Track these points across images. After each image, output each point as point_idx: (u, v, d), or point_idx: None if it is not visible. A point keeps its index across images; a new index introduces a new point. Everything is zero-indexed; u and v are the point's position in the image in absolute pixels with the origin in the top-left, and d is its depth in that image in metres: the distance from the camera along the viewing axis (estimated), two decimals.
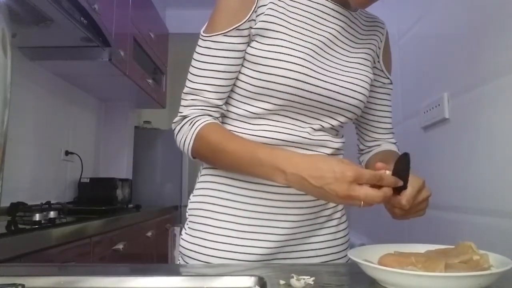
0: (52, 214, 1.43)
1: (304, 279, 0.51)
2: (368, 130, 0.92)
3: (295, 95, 0.73)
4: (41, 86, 2.10)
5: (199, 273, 0.63)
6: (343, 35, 0.81)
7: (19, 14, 1.52)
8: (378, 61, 0.89)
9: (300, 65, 0.72)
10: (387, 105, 0.92)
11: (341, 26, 0.80)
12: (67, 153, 2.34)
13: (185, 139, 0.74)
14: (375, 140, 0.92)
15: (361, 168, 0.61)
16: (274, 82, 0.72)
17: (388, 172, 0.62)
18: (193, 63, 0.76)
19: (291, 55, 0.72)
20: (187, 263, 0.78)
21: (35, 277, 0.55)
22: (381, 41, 0.89)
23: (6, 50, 0.42)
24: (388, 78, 0.91)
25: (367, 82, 0.80)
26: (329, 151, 0.78)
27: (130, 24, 2.48)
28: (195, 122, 0.74)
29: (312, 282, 0.51)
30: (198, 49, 0.76)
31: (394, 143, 0.93)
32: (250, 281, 0.55)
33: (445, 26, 1.19)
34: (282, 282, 0.52)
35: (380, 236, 1.72)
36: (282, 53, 0.72)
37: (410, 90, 1.46)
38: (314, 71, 0.74)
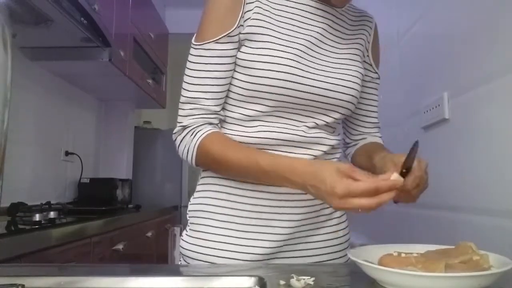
0: (52, 214, 1.43)
1: (304, 279, 0.51)
2: (354, 124, 0.93)
3: (286, 95, 0.74)
4: (41, 86, 2.10)
5: (199, 273, 0.63)
6: (330, 33, 0.82)
7: (19, 14, 1.52)
8: (368, 55, 0.90)
9: (288, 65, 0.73)
10: (374, 100, 0.93)
11: (327, 24, 0.81)
12: (67, 153, 2.34)
13: (187, 150, 0.75)
14: (361, 134, 0.93)
15: (352, 183, 0.58)
16: (265, 85, 0.73)
17: (395, 174, 0.61)
18: (187, 72, 0.77)
19: (279, 57, 0.73)
20: (188, 263, 0.78)
21: (35, 277, 0.55)
22: (369, 35, 0.90)
23: (6, 50, 0.42)
24: (376, 73, 0.92)
25: (358, 77, 0.81)
26: (324, 148, 0.79)
27: (130, 24, 2.48)
28: (197, 133, 0.74)
29: (312, 283, 0.51)
30: (190, 58, 0.77)
31: (380, 137, 0.94)
32: (250, 281, 0.55)
33: (445, 26, 1.19)
34: (282, 282, 0.52)
35: (380, 236, 1.72)
36: (270, 56, 0.73)
37: (410, 90, 1.46)
38: (303, 70, 0.75)
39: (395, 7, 1.58)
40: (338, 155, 0.83)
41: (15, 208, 1.47)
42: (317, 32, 0.79)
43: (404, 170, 0.64)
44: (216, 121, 0.77)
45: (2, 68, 0.42)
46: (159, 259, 2.35)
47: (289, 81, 0.73)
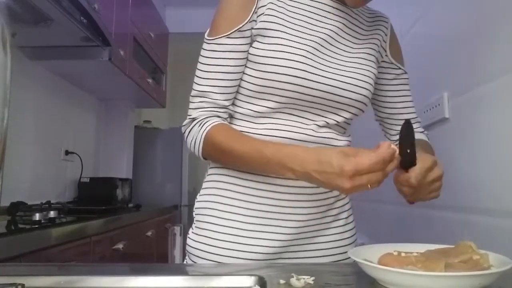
0: (52, 213, 1.43)
1: (304, 278, 0.51)
2: (391, 124, 0.92)
3: (297, 92, 0.74)
4: (41, 86, 2.10)
5: (199, 273, 0.63)
6: (344, 32, 0.82)
7: (19, 13, 1.52)
8: (386, 55, 0.89)
9: (300, 62, 0.73)
10: (406, 95, 0.91)
11: (342, 23, 0.81)
12: (67, 152, 2.34)
13: (195, 141, 0.76)
14: None
15: (359, 159, 0.59)
16: (276, 81, 0.73)
17: (392, 146, 0.61)
18: (199, 66, 0.78)
19: (291, 53, 0.73)
20: (194, 262, 0.78)
21: (35, 276, 0.55)
22: (386, 35, 0.89)
23: (6, 50, 0.42)
24: (401, 69, 0.90)
25: (370, 77, 0.81)
26: None
27: (130, 23, 2.48)
28: (204, 124, 0.75)
29: (312, 282, 0.51)
30: (203, 52, 0.78)
31: (422, 132, 0.92)
32: (250, 280, 0.55)
33: (445, 26, 1.19)
34: (282, 281, 0.52)
35: (380, 236, 1.72)
36: (282, 51, 0.73)
37: (410, 89, 1.46)
38: (315, 67, 0.75)
39: (396, 7, 1.58)
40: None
41: (15, 208, 1.47)
42: (331, 31, 0.79)
43: (407, 152, 0.61)
44: (225, 115, 0.78)
45: (1, 67, 0.42)
46: (159, 258, 2.35)
47: (300, 77, 0.73)
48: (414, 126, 0.89)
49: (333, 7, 0.81)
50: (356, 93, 0.78)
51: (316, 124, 0.77)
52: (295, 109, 0.76)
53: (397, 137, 0.91)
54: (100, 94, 2.75)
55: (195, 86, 0.78)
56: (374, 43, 0.86)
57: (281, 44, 0.74)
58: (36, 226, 1.23)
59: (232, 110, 0.79)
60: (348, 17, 0.82)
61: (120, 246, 1.69)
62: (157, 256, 2.35)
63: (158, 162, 3.24)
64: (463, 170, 1.06)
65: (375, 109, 0.94)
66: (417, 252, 0.55)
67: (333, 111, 0.78)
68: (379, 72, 0.87)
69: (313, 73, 0.74)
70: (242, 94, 0.78)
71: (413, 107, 0.92)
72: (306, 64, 0.74)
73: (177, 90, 3.73)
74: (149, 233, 2.20)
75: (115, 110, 2.92)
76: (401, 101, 0.91)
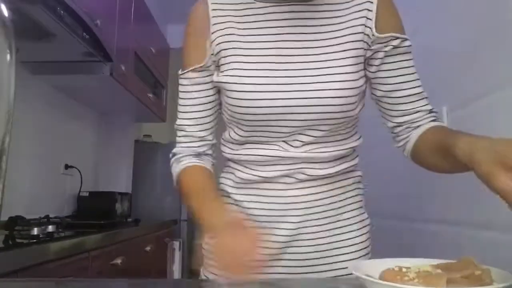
0: (50, 228, 1.42)
1: None
2: (389, 103, 0.77)
3: (263, 114, 0.72)
4: (42, 100, 2.11)
5: None
6: (305, 33, 0.73)
7: (22, 29, 1.53)
8: (373, 34, 0.73)
9: (256, 84, 0.72)
10: (406, 67, 0.76)
11: (299, 26, 0.73)
12: (66, 166, 2.33)
13: (174, 176, 0.82)
14: (405, 111, 0.76)
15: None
16: (239, 106, 0.73)
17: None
18: (178, 101, 0.82)
19: (244, 76, 0.73)
20: (207, 277, 0.79)
21: None
22: (370, 11, 0.73)
23: (11, 65, 0.42)
24: (398, 38, 0.74)
25: (345, 81, 0.71)
26: (326, 161, 0.76)
27: (131, 39, 2.51)
28: (179, 163, 0.81)
29: None
30: (179, 87, 0.82)
31: (430, 110, 0.77)
32: None
33: (443, 40, 1.20)
34: None
35: (381, 250, 1.70)
36: (236, 76, 0.73)
37: None
38: (275, 90, 0.71)
39: None
40: (355, 171, 0.81)
41: (13, 222, 1.46)
42: (283, 40, 0.73)
43: None
44: (203, 149, 0.81)
45: (6, 85, 0.43)
46: (158, 273, 2.32)
47: (263, 106, 0.71)
48: (420, 104, 0.77)
49: (284, 12, 0.74)
50: (328, 105, 0.70)
51: (299, 140, 0.73)
52: (269, 131, 0.73)
53: (403, 118, 0.74)
54: (100, 108, 2.76)
55: (176, 120, 0.82)
56: (354, 33, 0.73)
57: (234, 69, 0.74)
58: (34, 240, 1.22)
59: (210, 140, 0.82)
60: (301, 14, 0.74)
61: (118, 261, 1.67)
62: (155, 272, 2.32)
63: (158, 176, 3.23)
64: (463, 184, 1.06)
65: (371, 87, 0.79)
66: (418, 267, 0.55)
67: (310, 127, 0.72)
68: (373, 53, 0.75)
69: (274, 92, 0.71)
70: (224, 121, 0.82)
71: (417, 79, 0.77)
72: (263, 85, 0.71)
73: (177, 104, 3.74)
74: (147, 248, 2.18)
75: (115, 124, 2.93)
76: (401, 74, 0.75)
